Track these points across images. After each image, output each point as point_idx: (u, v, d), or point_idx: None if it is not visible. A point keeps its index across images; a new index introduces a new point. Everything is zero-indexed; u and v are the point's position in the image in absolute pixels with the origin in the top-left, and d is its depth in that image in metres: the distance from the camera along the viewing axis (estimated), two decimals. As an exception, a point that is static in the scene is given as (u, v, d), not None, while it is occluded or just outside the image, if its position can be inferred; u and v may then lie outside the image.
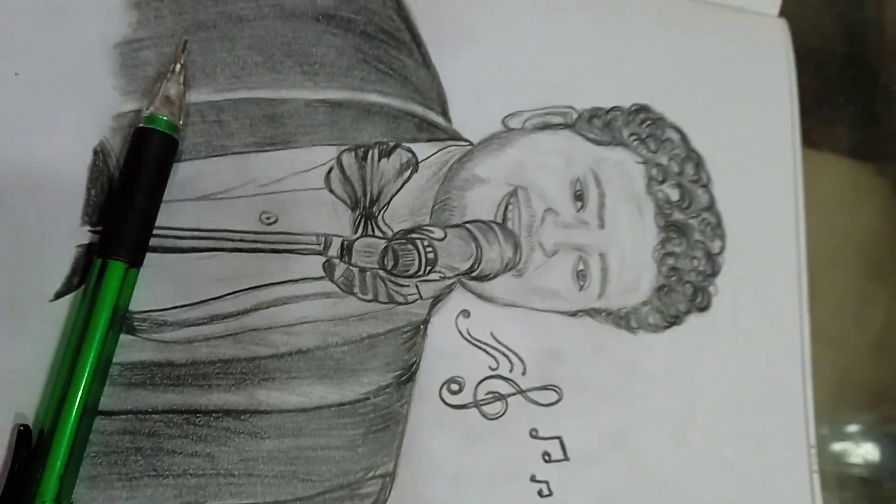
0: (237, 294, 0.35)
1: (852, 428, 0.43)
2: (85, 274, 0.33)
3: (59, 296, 0.33)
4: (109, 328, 0.32)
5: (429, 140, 0.39)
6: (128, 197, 0.34)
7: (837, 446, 0.43)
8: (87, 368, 0.32)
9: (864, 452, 0.43)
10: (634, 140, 0.42)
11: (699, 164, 0.43)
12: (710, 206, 0.43)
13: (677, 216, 0.42)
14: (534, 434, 0.38)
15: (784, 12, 0.48)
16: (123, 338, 0.34)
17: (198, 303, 0.35)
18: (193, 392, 0.34)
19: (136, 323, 0.34)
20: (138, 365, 0.34)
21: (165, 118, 0.34)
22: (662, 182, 0.42)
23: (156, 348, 0.34)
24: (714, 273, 0.42)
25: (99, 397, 0.33)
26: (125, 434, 0.33)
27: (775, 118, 0.46)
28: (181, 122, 0.35)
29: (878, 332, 0.45)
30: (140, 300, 0.34)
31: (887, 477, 0.44)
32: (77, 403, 0.31)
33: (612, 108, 0.42)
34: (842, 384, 0.42)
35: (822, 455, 0.41)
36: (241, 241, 0.36)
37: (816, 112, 0.46)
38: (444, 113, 0.40)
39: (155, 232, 0.35)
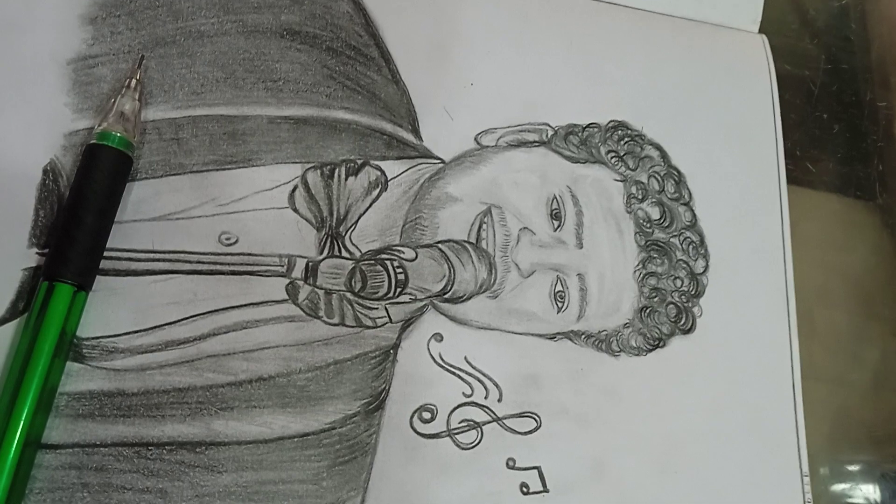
0: (194, 318, 0.34)
1: (851, 468, 0.42)
2: (31, 299, 0.32)
3: (2, 322, 0.32)
4: (55, 356, 0.31)
5: (398, 158, 0.38)
6: (77, 216, 0.32)
7: (837, 487, 0.42)
8: (30, 399, 0.30)
9: (864, 492, 0.42)
10: (612, 157, 0.41)
11: (680, 181, 0.42)
12: (692, 224, 0.42)
13: (658, 235, 0.41)
14: (511, 464, 0.36)
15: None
16: (71, 366, 0.32)
17: (152, 328, 0.33)
18: (145, 423, 0.32)
19: (84, 350, 0.33)
20: (87, 395, 0.32)
21: (119, 134, 0.34)
22: (642, 200, 0.41)
23: (106, 377, 0.33)
24: (698, 293, 0.41)
25: (42, 430, 0.31)
26: (71, 469, 0.31)
27: (758, 135, 0.45)
28: (136, 139, 0.34)
29: (874, 369, 0.44)
30: (89, 326, 0.33)
31: (888, 517, 0.42)
32: (18, 436, 0.30)
33: (589, 125, 0.42)
34: (839, 423, 0.41)
35: (822, 496, 0.40)
36: (198, 262, 0.35)
37: (806, 151, 0.46)
38: (415, 130, 0.39)
39: (107, 254, 0.34)
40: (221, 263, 0.35)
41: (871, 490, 0.42)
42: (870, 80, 0.51)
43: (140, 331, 0.33)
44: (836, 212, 0.45)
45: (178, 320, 0.34)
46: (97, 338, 0.33)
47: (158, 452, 0.32)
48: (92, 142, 0.33)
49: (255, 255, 0.35)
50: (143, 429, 0.32)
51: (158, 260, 0.34)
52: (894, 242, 0.47)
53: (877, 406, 0.43)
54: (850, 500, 0.41)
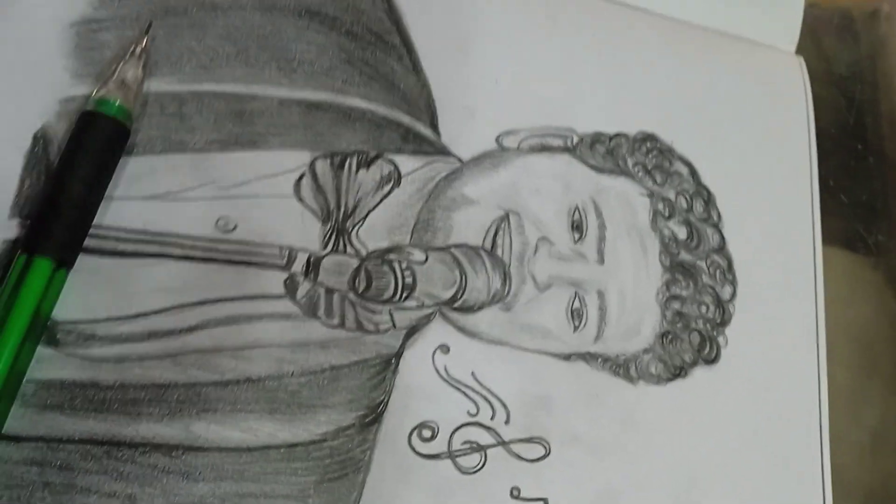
0: (182, 308, 0.31)
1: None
2: (7, 273, 0.29)
3: (-28, 297, 0.29)
4: (26, 337, 0.28)
5: (414, 153, 0.36)
6: (63, 186, 0.30)
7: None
8: (-7, 383, 0.27)
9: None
10: (639, 170, 0.39)
11: (709, 201, 0.40)
12: (721, 248, 0.39)
13: (684, 256, 0.38)
14: (515, 494, 0.33)
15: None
16: (43, 351, 0.30)
17: (135, 315, 0.31)
18: (119, 420, 0.30)
19: (59, 334, 0.30)
20: (57, 384, 0.30)
21: (118, 103, 0.31)
22: (669, 218, 0.39)
23: (80, 366, 0.30)
24: (724, 322, 0.38)
25: (4, 419, 0.28)
26: (33, 465, 0.29)
27: (791, 158, 0.43)
28: (135, 111, 0.32)
29: (873, 430, 0.42)
30: (67, 308, 0.30)
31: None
32: (-25, 424, 0.27)
33: (617, 135, 0.39)
34: (835, 484, 0.38)
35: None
36: (192, 247, 0.32)
37: (840, 181, 0.45)
38: (433, 125, 0.37)
39: (94, 231, 0.31)
40: (216, 250, 0.32)
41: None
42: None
43: (121, 317, 0.31)
44: (841, 267, 0.44)
45: (164, 309, 0.31)
46: (74, 322, 0.30)
47: (130, 453, 0.29)
48: (88, 108, 0.31)
49: (254, 244, 0.33)
50: (116, 426, 0.29)
51: (148, 241, 0.32)
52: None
53: (874, 468, 0.42)
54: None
